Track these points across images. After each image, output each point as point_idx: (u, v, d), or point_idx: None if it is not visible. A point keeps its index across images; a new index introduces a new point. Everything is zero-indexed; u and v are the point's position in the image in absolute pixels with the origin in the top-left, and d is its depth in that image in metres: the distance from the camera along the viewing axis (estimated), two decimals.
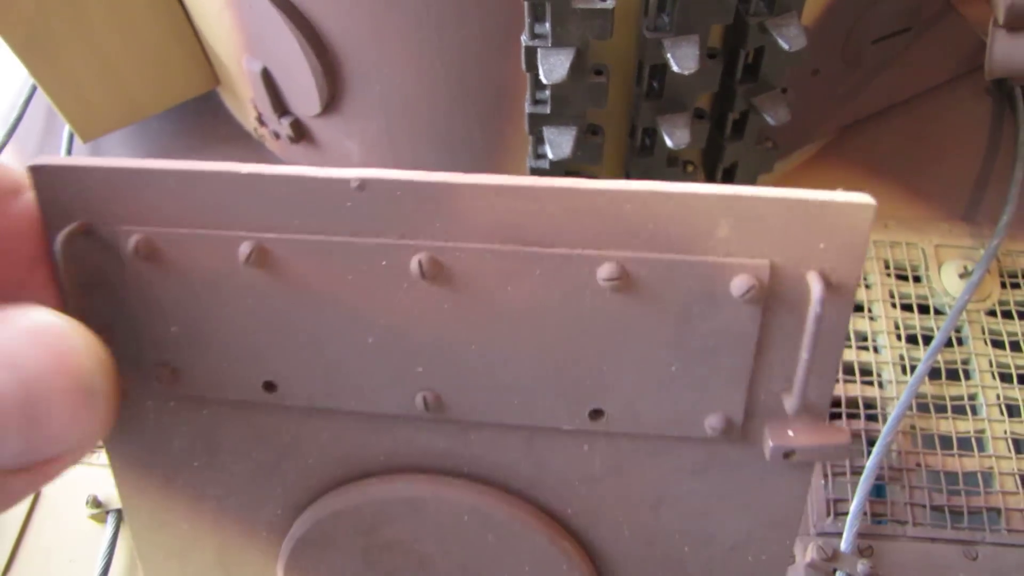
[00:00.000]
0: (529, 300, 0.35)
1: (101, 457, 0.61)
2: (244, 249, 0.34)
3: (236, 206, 0.34)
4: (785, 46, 0.49)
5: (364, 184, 0.34)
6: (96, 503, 0.57)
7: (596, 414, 0.36)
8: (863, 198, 0.29)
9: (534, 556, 0.40)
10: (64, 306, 0.35)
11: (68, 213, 0.34)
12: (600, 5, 0.46)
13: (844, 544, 0.53)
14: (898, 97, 0.73)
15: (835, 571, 0.53)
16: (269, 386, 0.38)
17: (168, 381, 0.38)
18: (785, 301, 0.32)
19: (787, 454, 0.35)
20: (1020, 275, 0.66)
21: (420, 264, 0.34)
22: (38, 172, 0.33)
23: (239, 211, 0.34)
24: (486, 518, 0.40)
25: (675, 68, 0.48)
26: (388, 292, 0.35)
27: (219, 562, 0.44)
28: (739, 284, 0.32)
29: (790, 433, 0.34)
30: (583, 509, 0.40)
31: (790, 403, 0.33)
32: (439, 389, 0.37)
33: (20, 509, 0.60)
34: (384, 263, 0.34)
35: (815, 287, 0.30)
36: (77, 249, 0.35)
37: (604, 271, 0.33)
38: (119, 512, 0.57)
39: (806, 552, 0.54)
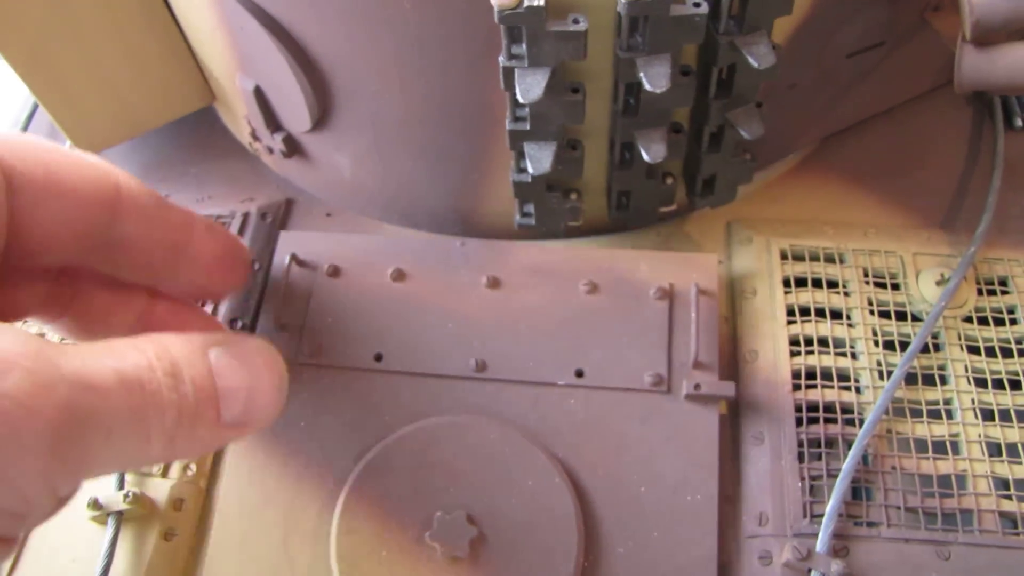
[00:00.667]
0: (541, 301, 0.67)
1: None
2: (391, 271, 0.69)
3: (392, 250, 0.70)
4: (755, 64, 0.52)
5: (464, 243, 0.70)
6: (97, 505, 0.60)
7: (579, 374, 0.65)
8: (710, 257, 0.67)
9: (536, 476, 0.60)
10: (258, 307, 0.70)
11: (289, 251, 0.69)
12: (573, 28, 0.49)
13: (819, 545, 0.56)
14: (877, 108, 0.76)
15: (810, 571, 0.55)
16: (378, 357, 0.66)
17: (314, 354, 0.66)
18: (681, 302, 0.66)
19: (694, 391, 0.62)
20: (996, 282, 0.68)
21: (487, 280, 0.68)
22: (286, 238, 0.71)
23: (392, 253, 0.69)
24: (505, 445, 0.62)
25: (648, 87, 0.51)
26: (465, 297, 0.68)
27: (283, 520, 0.62)
28: (653, 292, 0.66)
29: (695, 379, 0.62)
30: (570, 452, 0.62)
31: (690, 362, 0.63)
32: (485, 356, 0.65)
33: None
34: (466, 280, 0.68)
35: (693, 292, 0.65)
36: (291, 272, 0.69)
37: (582, 284, 0.67)
38: (119, 514, 0.60)
39: (782, 552, 0.56)
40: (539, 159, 0.57)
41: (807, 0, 0.57)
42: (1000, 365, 0.64)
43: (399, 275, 0.68)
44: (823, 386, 0.63)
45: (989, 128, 0.78)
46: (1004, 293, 0.68)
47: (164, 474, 0.64)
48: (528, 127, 0.57)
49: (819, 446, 0.61)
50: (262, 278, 0.72)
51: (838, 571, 0.54)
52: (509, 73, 0.53)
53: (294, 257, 0.69)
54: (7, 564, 0.61)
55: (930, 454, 0.60)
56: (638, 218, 0.69)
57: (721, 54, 0.53)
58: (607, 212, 0.69)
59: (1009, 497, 0.59)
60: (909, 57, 0.71)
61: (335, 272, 0.69)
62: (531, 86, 0.52)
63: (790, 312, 0.66)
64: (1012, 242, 0.70)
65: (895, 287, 0.68)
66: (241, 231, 0.74)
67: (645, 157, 0.58)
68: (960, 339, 0.65)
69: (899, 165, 0.77)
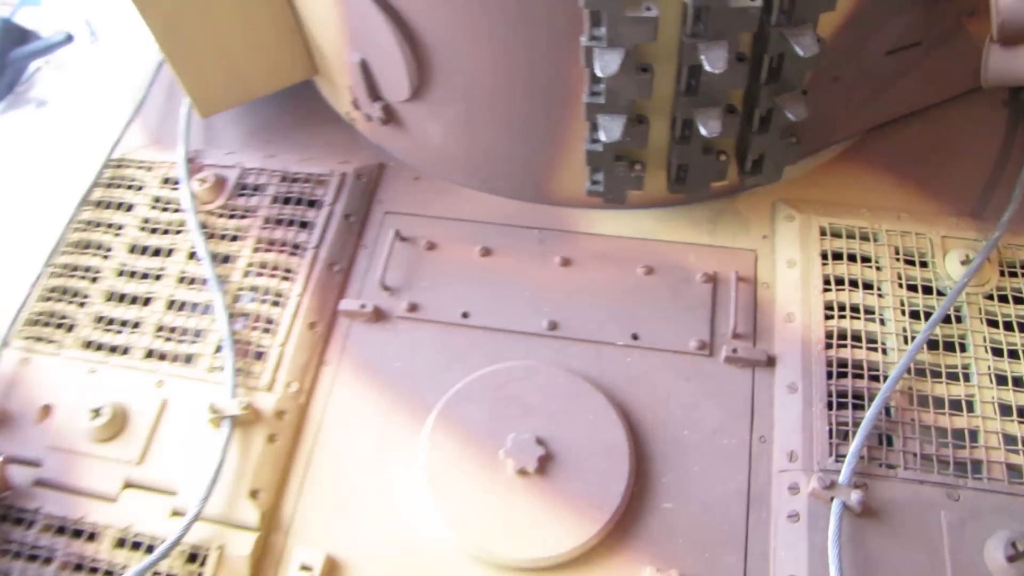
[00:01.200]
0: (605, 278, 0.81)
1: (218, 376, 0.76)
2: (479, 248, 0.84)
3: (480, 232, 0.85)
4: (800, 52, 0.62)
5: (542, 233, 0.85)
6: (215, 410, 0.72)
7: (635, 336, 0.77)
8: (749, 253, 0.81)
9: (595, 413, 0.72)
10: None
11: (394, 228, 0.84)
12: (646, 14, 0.60)
13: (842, 478, 0.64)
14: (916, 105, 0.85)
15: (832, 499, 0.64)
16: (465, 315, 0.80)
17: (411, 310, 0.81)
18: (723, 286, 0.79)
19: (732, 355, 0.74)
20: (1018, 265, 0.76)
21: (560, 259, 0.82)
22: (391, 218, 0.87)
23: (481, 234, 0.85)
24: (570, 387, 0.73)
25: (707, 68, 0.61)
26: (541, 272, 0.82)
27: (378, 437, 0.75)
28: (700, 276, 0.80)
29: (733, 346, 0.74)
30: (625, 398, 0.73)
31: (730, 332, 0.75)
32: (556, 318, 0.79)
33: (152, 411, 0.75)
34: (542, 259, 0.83)
35: (733, 278, 0.78)
36: (395, 246, 0.84)
37: (640, 267, 0.81)
38: (233, 418, 0.72)
39: (809, 483, 0.65)
40: (611, 128, 0.68)
41: (850, 0, 0.67)
42: (1017, 338, 0.72)
43: (485, 252, 0.83)
44: (852, 346, 0.72)
45: (1023, 129, 0.86)
46: None
47: (269, 389, 0.75)
48: (603, 100, 0.67)
49: (846, 397, 0.69)
50: (357, 229, 0.84)
51: (857, 499, 0.63)
52: (589, 52, 0.63)
53: (398, 233, 0.84)
54: (138, 445, 0.74)
55: (946, 410, 0.69)
56: (694, 189, 0.79)
57: (772, 43, 0.63)
58: (666, 185, 0.79)
59: (1016, 451, 0.67)
60: (947, 58, 0.80)
61: (431, 247, 0.84)
62: (608, 63, 0.62)
63: (826, 282, 0.76)
64: None
65: (923, 264, 0.76)
66: (339, 189, 0.86)
67: (703, 132, 0.68)
68: (981, 313, 0.74)
69: (935, 159, 0.85)
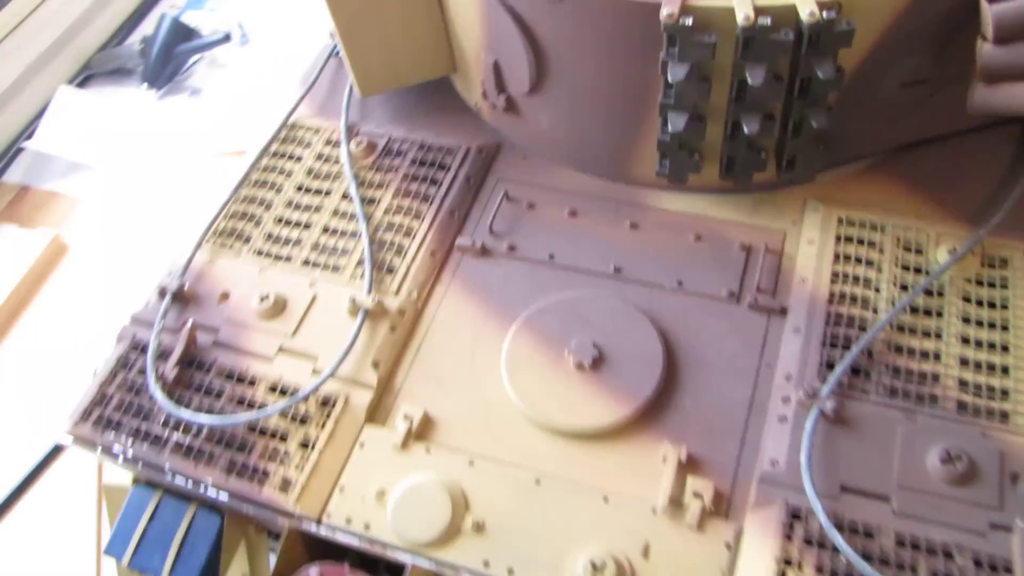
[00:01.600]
0: (663, 240, 1.07)
1: (357, 283, 1.05)
2: (568, 210, 1.11)
3: (569, 200, 1.13)
4: (821, 76, 0.86)
5: (618, 203, 1.12)
6: (354, 302, 1.00)
7: (679, 283, 1.03)
8: (779, 232, 1.07)
9: (641, 332, 0.97)
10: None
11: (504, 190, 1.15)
12: (707, 39, 0.85)
13: (823, 392, 0.87)
14: (931, 132, 1.07)
15: (812, 406, 0.87)
16: (551, 256, 1.07)
17: (509, 250, 1.08)
18: (754, 255, 1.04)
19: (754, 303, 0.99)
20: (997, 260, 0.97)
21: (629, 224, 1.09)
22: (502, 181, 1.17)
23: (569, 201, 1.13)
24: (624, 312, 0.99)
25: (750, 82, 0.86)
26: (614, 231, 1.09)
27: (472, 336, 1.03)
28: (737, 246, 1.05)
29: (756, 296, 0.98)
30: (666, 326, 0.99)
31: (755, 287, 1.00)
32: (620, 264, 1.05)
33: (304, 302, 1.04)
34: (616, 223, 1.10)
35: (762, 248, 1.04)
36: (502, 204, 1.14)
37: (691, 235, 1.07)
38: (366, 311, 1.00)
39: (797, 393, 0.88)
40: (676, 123, 0.93)
41: (867, 43, 0.91)
42: (984, 312, 0.93)
43: (572, 213, 1.10)
44: (850, 305, 0.95)
45: None
46: (1003, 267, 0.97)
47: (396, 294, 1.03)
48: (672, 101, 0.93)
49: (838, 340, 0.92)
50: (475, 189, 1.12)
51: (831, 407, 0.86)
52: (664, 64, 0.89)
53: (506, 193, 1.12)
54: (293, 324, 1.02)
55: (917, 359, 0.91)
56: (740, 178, 1.03)
57: (801, 67, 0.87)
58: (718, 173, 1.04)
59: (967, 393, 0.88)
60: (956, 96, 1.02)
61: (531, 206, 1.11)
62: (677, 73, 0.88)
63: (836, 257, 0.99)
64: (1021, 235, 0.99)
65: (918, 252, 0.99)
66: (464, 158, 1.15)
67: (746, 131, 0.93)
68: (959, 292, 0.95)
69: (948, 178, 1.07)
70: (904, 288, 0.96)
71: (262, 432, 0.96)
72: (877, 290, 0.96)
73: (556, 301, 1.00)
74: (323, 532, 0.89)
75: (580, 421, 0.91)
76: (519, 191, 1.13)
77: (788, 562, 0.79)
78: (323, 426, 0.95)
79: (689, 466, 0.88)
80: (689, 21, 0.84)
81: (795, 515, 0.82)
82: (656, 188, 1.09)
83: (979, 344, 0.91)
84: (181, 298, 1.09)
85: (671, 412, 0.92)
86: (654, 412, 0.92)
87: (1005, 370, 0.89)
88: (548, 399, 0.93)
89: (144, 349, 1.04)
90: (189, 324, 1.04)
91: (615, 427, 0.91)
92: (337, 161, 1.20)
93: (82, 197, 1.96)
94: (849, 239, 1.01)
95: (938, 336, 0.93)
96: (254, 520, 0.99)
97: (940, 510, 0.81)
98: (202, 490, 0.94)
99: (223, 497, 0.93)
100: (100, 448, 0.99)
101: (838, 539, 0.78)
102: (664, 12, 0.84)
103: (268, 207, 1.18)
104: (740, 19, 0.83)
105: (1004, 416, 0.86)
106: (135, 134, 2.07)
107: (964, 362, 0.90)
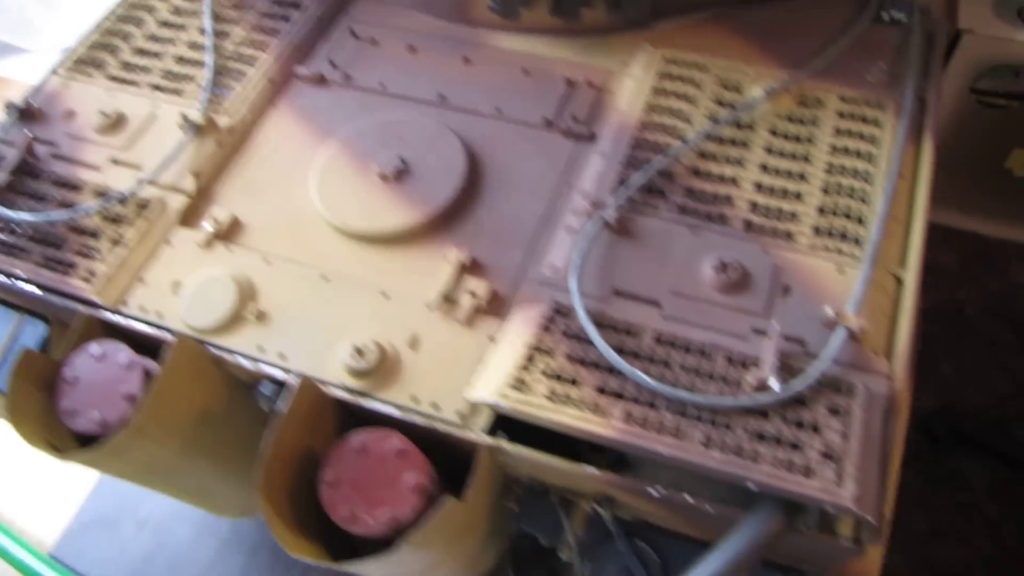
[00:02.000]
0: (492, 73, 1.09)
1: (201, 94, 1.07)
2: (407, 45, 1.14)
3: (412, 38, 1.15)
4: None
5: (456, 41, 1.12)
6: (185, 118, 1.04)
7: (498, 110, 1.05)
8: (603, 72, 1.07)
9: (449, 148, 0.99)
10: None
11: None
12: None
13: (609, 202, 0.89)
14: None
15: (596, 216, 0.89)
16: (381, 84, 1.09)
17: (344, 80, 1.10)
18: (578, 88, 1.06)
19: (567, 130, 1.01)
20: (811, 100, 0.98)
21: (462, 59, 1.12)
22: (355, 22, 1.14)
23: (412, 39, 1.14)
24: (436, 131, 1.02)
25: None
26: (447, 65, 1.10)
27: (290, 160, 1.04)
28: (562, 80, 1.10)
29: (569, 125, 1.02)
30: (477, 146, 1.03)
31: (569, 117, 1.03)
32: (446, 92, 1.07)
33: (143, 118, 1.06)
34: (450, 57, 1.11)
35: (584, 84, 1.06)
36: (348, 40, 1.16)
37: (518, 70, 1.08)
38: (197, 127, 1.03)
39: (587, 207, 0.90)
40: None
41: None
42: (791, 145, 0.95)
43: (411, 49, 1.12)
44: (659, 134, 0.96)
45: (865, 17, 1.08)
46: (817, 106, 0.98)
47: (227, 113, 1.06)
48: None
49: (637, 163, 0.94)
50: (324, 27, 1.14)
51: (612, 216, 0.88)
52: None
53: (351, 30, 1.16)
54: (128, 137, 1.05)
55: (714, 182, 0.92)
56: (569, 16, 1.04)
57: None
58: (548, 10, 1.05)
59: (755, 215, 0.90)
60: None
61: (374, 43, 1.15)
62: None
63: (654, 91, 1.00)
64: (839, 81, 1.00)
65: (736, 91, 1.00)
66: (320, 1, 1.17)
67: None
68: (769, 126, 0.96)
69: (784, 33, 1.08)
70: (716, 122, 0.97)
71: (81, 232, 0.99)
72: (689, 122, 0.98)
73: (373, 122, 1.02)
74: (118, 320, 0.93)
75: (375, 224, 0.94)
76: (365, 30, 1.15)
77: (539, 349, 0.81)
78: (136, 226, 0.98)
79: (473, 269, 0.90)
80: None
81: (559, 311, 0.84)
82: (496, 29, 1.10)
83: (777, 172, 0.93)
84: (28, 115, 1.12)
85: (465, 222, 0.94)
86: (448, 222, 0.94)
87: (798, 196, 0.91)
88: (350, 206, 0.95)
89: None
90: (25, 135, 1.07)
91: (408, 231, 0.93)
92: None
93: None
94: (671, 76, 1.02)
95: (739, 164, 0.94)
96: (59, 315, 1.02)
97: (706, 314, 0.83)
98: (13, 282, 0.97)
99: (34, 290, 0.97)
100: None
101: (592, 331, 0.80)
102: None
103: (127, 38, 1.20)
104: None
105: (789, 235, 0.88)
106: None
107: (759, 187, 0.92)
